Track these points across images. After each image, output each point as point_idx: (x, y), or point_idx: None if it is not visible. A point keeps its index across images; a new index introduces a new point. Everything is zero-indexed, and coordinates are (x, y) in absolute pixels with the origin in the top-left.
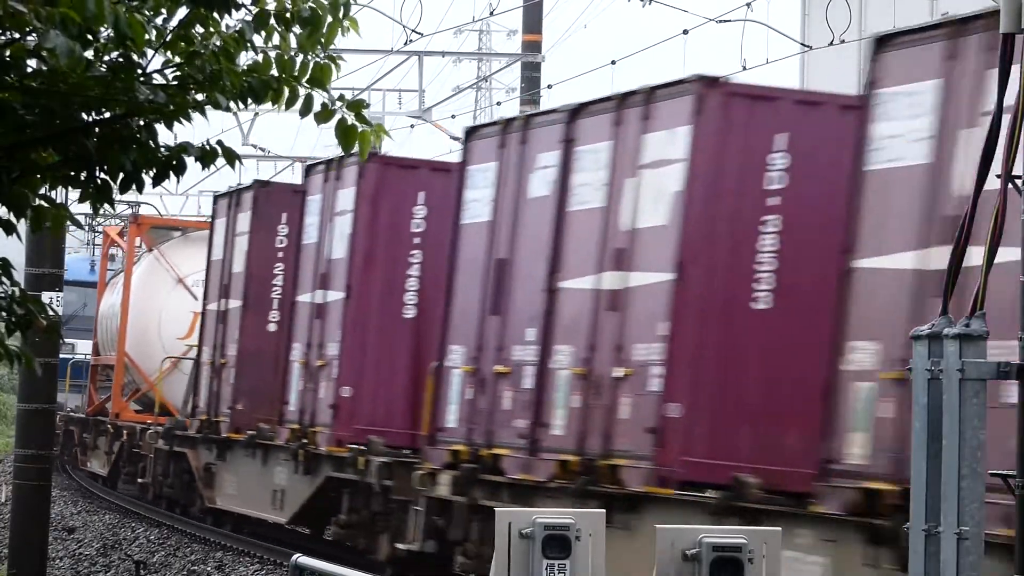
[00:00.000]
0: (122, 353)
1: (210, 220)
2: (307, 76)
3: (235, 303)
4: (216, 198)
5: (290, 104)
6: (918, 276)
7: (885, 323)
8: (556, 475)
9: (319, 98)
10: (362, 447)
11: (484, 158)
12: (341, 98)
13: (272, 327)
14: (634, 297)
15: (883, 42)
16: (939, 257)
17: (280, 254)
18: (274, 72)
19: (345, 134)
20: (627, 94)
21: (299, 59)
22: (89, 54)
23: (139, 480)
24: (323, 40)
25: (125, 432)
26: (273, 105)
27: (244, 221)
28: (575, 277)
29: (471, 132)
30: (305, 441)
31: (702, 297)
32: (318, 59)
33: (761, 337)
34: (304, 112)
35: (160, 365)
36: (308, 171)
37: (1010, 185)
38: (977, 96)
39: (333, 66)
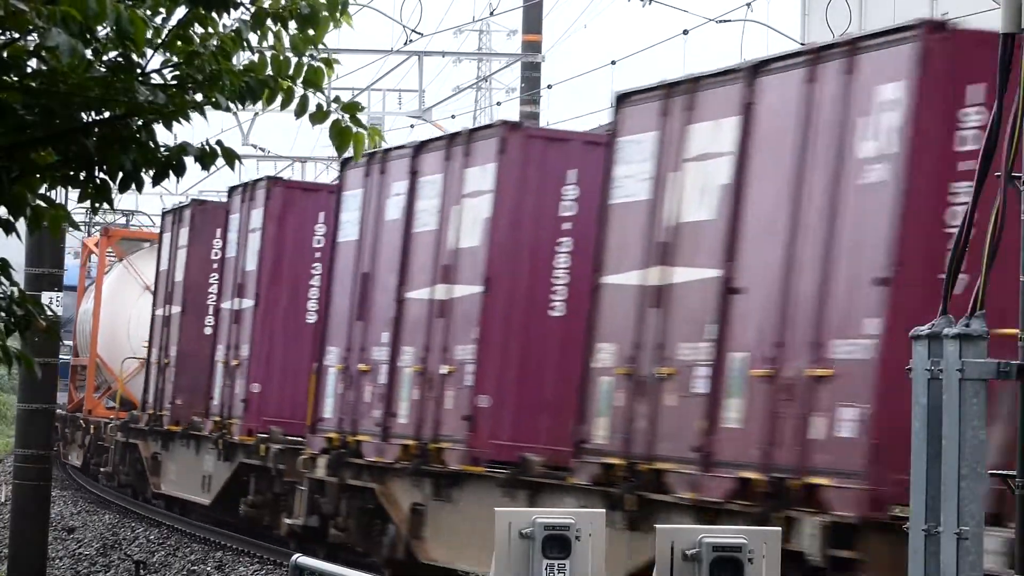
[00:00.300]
0: (94, 354)
1: (159, 234)
2: (302, 77)
3: (176, 309)
4: (163, 215)
5: (285, 104)
6: (641, 291)
7: (619, 328)
8: (400, 457)
9: (314, 99)
10: (265, 436)
11: (354, 185)
12: (336, 100)
13: (208, 330)
14: (456, 306)
15: (622, 99)
16: (654, 275)
17: (215, 265)
18: (269, 72)
19: (339, 135)
20: (454, 135)
21: (294, 60)
22: (89, 54)
23: (101, 469)
24: (314, 34)
25: (92, 427)
26: (268, 105)
27: (184, 236)
28: (417, 289)
29: (344, 163)
30: (224, 432)
31: (506, 306)
32: (313, 61)
33: (556, 339)
34: (299, 113)
35: (121, 365)
36: (230, 192)
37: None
38: (681, 146)
39: (326, 68)
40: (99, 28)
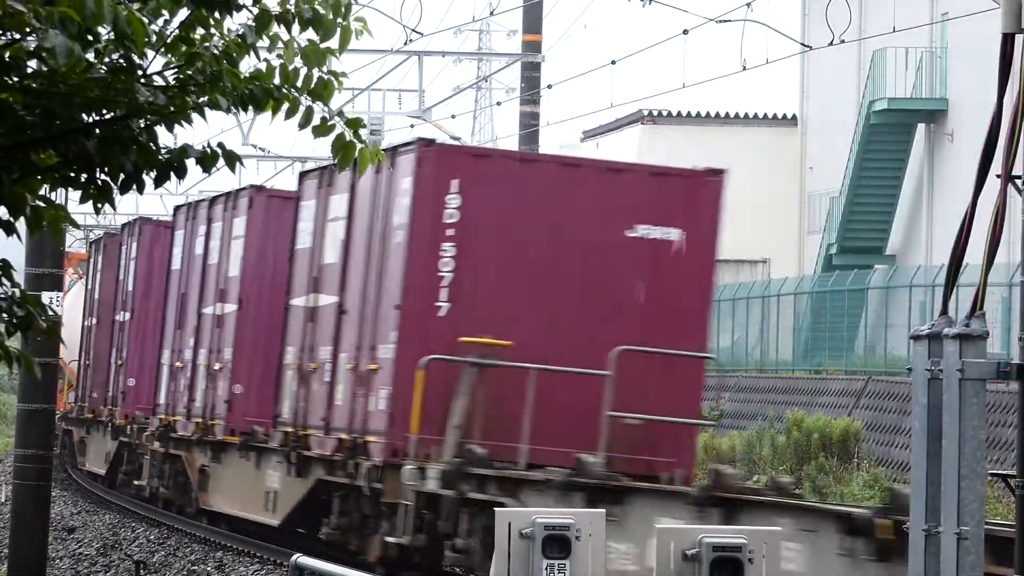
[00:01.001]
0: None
1: (87, 259)
2: (310, 88)
3: (94, 320)
4: (89, 244)
5: (290, 115)
6: (305, 310)
7: (295, 336)
8: (195, 432)
9: (319, 111)
10: (132, 420)
11: (180, 226)
12: (340, 113)
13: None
14: (225, 319)
15: (303, 175)
16: (312, 300)
17: (117, 285)
18: (276, 81)
19: (342, 150)
20: (228, 193)
21: (303, 71)
22: (90, 56)
23: None
24: (337, 45)
25: None
26: (273, 115)
27: (100, 262)
28: (208, 306)
29: (176, 209)
30: (113, 418)
31: (254, 320)
32: (323, 75)
33: None
34: (303, 124)
35: (68, 365)
36: (122, 228)
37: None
38: (326, 210)
39: (336, 81)
40: (101, 30)
